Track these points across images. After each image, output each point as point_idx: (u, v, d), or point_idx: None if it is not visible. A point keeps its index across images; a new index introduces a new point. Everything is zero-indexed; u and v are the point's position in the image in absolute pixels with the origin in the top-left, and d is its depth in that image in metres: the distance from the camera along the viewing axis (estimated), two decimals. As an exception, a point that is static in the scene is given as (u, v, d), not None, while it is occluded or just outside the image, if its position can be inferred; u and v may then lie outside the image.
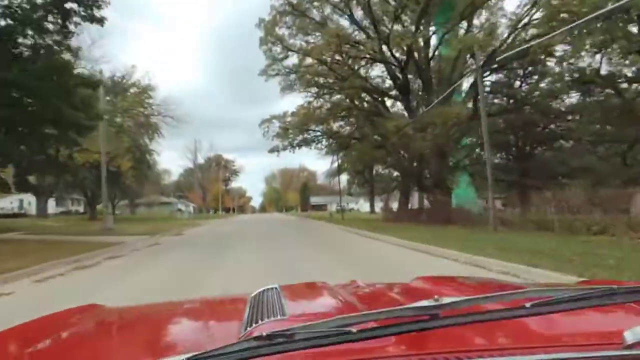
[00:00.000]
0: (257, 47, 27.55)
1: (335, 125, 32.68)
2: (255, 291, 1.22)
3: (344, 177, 75.54)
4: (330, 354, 0.73)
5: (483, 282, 1.73)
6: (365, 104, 29.49)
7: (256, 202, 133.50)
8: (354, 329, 0.66)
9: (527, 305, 0.70)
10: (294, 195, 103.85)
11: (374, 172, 45.34)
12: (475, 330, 0.84)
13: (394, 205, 74.42)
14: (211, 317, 1.31)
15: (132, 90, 43.16)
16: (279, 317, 0.94)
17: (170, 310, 1.45)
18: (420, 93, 25.70)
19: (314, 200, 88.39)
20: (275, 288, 1.23)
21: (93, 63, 32.99)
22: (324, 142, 32.50)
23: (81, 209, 61.17)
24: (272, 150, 33.11)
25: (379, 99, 26.99)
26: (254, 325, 0.89)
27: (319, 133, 32.82)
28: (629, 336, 0.67)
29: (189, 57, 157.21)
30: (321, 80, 27.65)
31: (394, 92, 26.51)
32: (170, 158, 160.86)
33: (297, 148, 32.84)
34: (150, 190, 73.76)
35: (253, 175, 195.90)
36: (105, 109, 33.57)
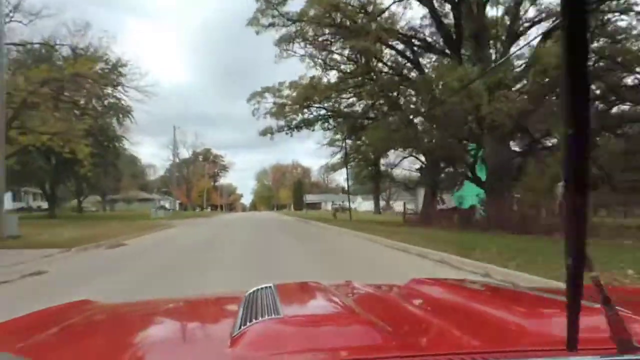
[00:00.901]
0: (245, 41, 19.97)
1: (345, 101, 25.00)
2: (251, 290, 1.17)
3: (343, 172, 67.77)
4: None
5: (478, 285, 1.61)
6: (387, 69, 21.86)
7: (247, 200, 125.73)
8: None
9: None
10: (287, 192, 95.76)
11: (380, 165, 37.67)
12: (468, 331, 0.83)
13: (395, 205, 66.82)
14: (206, 315, 1.27)
15: (100, 66, 34.92)
16: (273, 316, 0.89)
17: (165, 307, 1.40)
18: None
19: (308, 198, 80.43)
20: (270, 287, 1.17)
21: (32, 17, 25.08)
22: (331, 122, 24.76)
23: (46, 204, 52.76)
24: (264, 133, 25.38)
25: (411, 57, 19.30)
26: (247, 324, 0.85)
27: (323, 111, 25.13)
28: (622, 341, 0.65)
29: (176, 52, 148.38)
30: (329, 34, 19.99)
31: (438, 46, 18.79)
32: (157, 154, 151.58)
33: (296, 130, 25.13)
34: (131, 185, 65.68)
35: (244, 172, 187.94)
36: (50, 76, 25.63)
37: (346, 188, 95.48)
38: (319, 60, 22.11)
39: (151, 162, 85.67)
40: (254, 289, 1.16)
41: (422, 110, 16.57)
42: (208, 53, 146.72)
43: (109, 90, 37.58)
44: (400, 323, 0.90)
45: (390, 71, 21.81)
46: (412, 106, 18.94)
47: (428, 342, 0.81)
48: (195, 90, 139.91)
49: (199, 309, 1.39)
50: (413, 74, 19.86)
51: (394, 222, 25.77)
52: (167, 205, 63.75)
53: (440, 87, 15.36)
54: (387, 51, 21.20)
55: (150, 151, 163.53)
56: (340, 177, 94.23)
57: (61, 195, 50.24)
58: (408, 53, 19.41)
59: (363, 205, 69.17)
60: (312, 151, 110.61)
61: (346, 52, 22.55)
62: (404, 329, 0.86)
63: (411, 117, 18.82)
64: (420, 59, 19.60)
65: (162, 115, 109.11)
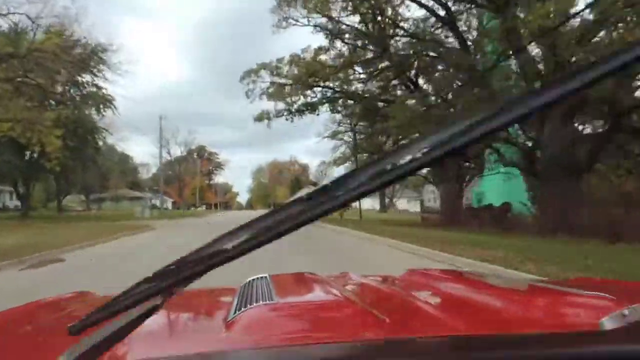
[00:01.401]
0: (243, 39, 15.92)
1: (357, 81, 20.87)
2: (246, 280, 1.17)
3: (345, 168, 63.41)
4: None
5: (473, 275, 1.57)
6: (406, 39, 17.83)
7: (243, 198, 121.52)
8: (230, 246, 0.54)
9: (418, 155, 0.52)
10: (284, 190, 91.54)
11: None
12: (461, 316, 0.83)
13: (399, 204, 62.76)
14: (202, 304, 1.26)
15: (76, 51, 30.45)
16: (267, 301, 0.90)
17: None
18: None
19: (307, 196, 76.00)
20: (265, 277, 1.18)
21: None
22: (340, 103, 20.68)
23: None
24: (259, 118, 21.22)
25: (446, 18, 15.18)
26: (242, 309, 0.86)
27: (330, 92, 21.02)
28: (607, 323, 0.67)
29: (173, 51, 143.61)
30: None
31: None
32: (152, 152, 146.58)
33: (298, 115, 21.02)
34: (119, 184, 61.38)
35: (241, 171, 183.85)
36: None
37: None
38: (326, 27, 18.04)
39: (146, 161, 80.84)
40: (249, 279, 1.14)
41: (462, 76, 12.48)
42: (205, 52, 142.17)
43: (88, 77, 33.48)
44: (394, 309, 0.90)
45: (410, 42, 17.72)
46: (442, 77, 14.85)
47: (420, 326, 0.81)
48: (192, 89, 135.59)
49: (195, 299, 1.32)
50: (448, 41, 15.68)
51: (411, 222, 21.80)
52: (157, 204, 59.36)
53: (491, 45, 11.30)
54: (408, 14, 17.18)
55: (145, 150, 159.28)
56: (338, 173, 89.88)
57: (39, 193, 46.00)
58: (441, 12, 15.30)
59: (364, 203, 65.17)
60: (310, 150, 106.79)
61: (356, 18, 18.54)
62: (397, 314, 0.86)
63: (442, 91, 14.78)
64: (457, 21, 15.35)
65: (157, 114, 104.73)
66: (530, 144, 12.96)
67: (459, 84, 15.65)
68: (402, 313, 0.88)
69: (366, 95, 20.28)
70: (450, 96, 14.80)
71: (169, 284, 0.56)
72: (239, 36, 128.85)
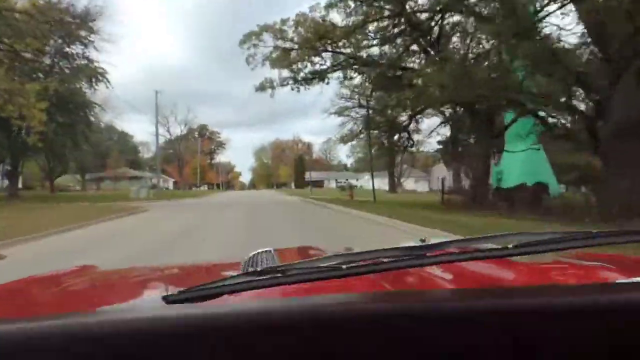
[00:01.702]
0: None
1: (372, 46, 18.17)
2: (250, 254, 1.20)
3: (348, 147, 60.83)
4: (320, 289, 0.76)
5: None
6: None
7: (246, 178, 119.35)
8: (344, 266, 0.63)
9: (510, 246, 0.66)
10: (287, 170, 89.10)
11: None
12: (454, 272, 0.86)
13: (406, 184, 60.37)
14: (210, 275, 1.26)
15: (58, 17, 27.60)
16: None
17: (170, 271, 1.41)
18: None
19: (312, 176, 73.56)
20: (270, 250, 1.21)
21: None
22: (354, 68, 18.16)
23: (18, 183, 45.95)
24: (261, 87, 18.69)
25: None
26: None
27: (342, 57, 18.41)
28: None
29: (173, 30, 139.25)
30: None
31: None
32: (153, 132, 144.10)
33: (305, 85, 18.48)
34: (118, 163, 59.11)
35: (243, 150, 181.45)
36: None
37: (349, 165, 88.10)
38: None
39: (146, 140, 78.06)
40: (254, 252, 1.16)
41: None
42: (208, 31, 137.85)
43: (78, 49, 30.86)
44: (403, 281, 0.94)
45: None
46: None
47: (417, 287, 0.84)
48: (193, 68, 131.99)
49: (200, 272, 1.38)
50: None
51: (431, 204, 19.51)
52: (158, 184, 56.93)
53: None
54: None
55: (145, 128, 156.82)
56: (343, 154, 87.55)
57: (35, 172, 43.82)
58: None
59: (370, 183, 62.80)
60: (314, 129, 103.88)
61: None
62: (405, 285, 0.89)
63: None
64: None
65: (161, 95, 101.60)
66: (586, 112, 10.53)
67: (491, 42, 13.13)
68: (411, 285, 0.91)
69: (382, 62, 17.70)
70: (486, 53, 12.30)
71: (270, 283, 0.60)
72: (240, 12, 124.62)
